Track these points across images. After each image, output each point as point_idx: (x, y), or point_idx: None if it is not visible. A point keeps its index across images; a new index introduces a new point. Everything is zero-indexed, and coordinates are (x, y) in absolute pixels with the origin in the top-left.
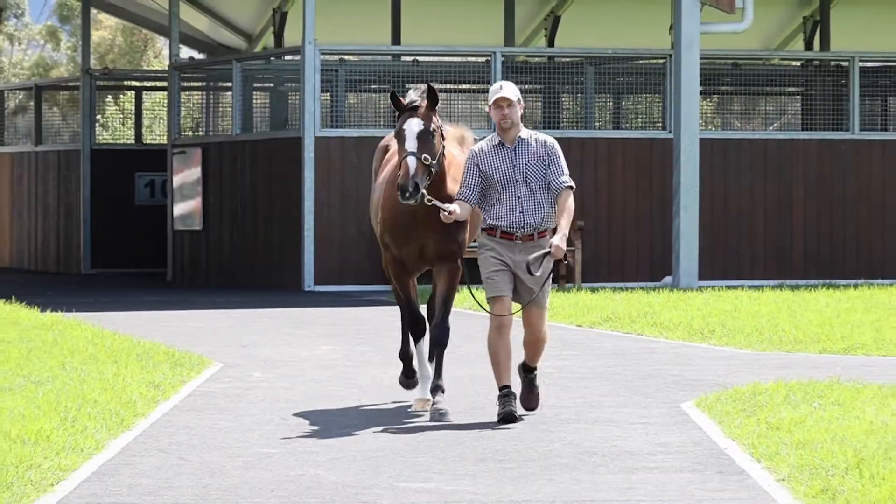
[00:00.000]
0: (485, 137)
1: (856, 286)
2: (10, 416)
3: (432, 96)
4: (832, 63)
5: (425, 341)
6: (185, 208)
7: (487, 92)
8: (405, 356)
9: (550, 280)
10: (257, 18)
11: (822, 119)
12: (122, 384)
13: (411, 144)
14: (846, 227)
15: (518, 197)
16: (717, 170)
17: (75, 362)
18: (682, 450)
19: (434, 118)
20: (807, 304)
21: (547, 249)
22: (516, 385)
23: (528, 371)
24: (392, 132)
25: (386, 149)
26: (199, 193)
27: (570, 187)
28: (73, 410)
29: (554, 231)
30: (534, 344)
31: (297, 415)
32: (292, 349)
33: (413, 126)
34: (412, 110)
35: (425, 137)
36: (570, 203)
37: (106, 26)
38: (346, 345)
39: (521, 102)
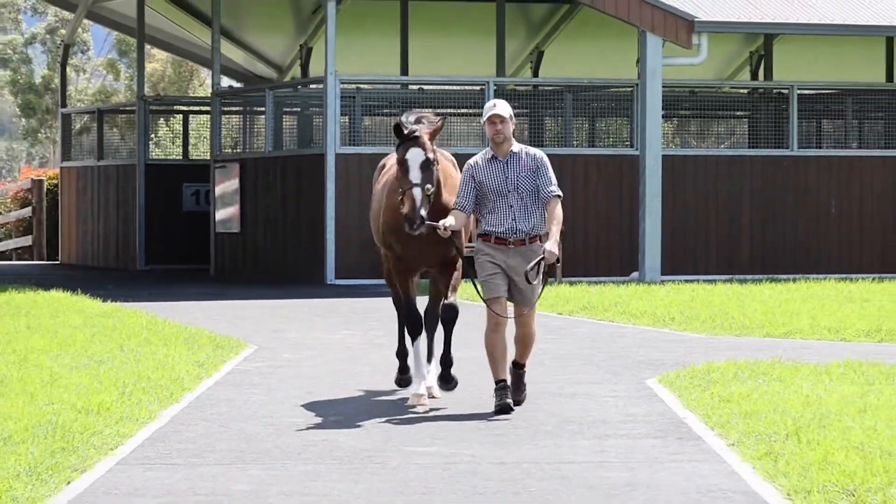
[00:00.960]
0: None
1: (794, 280)
2: (76, 391)
3: (436, 127)
4: (774, 91)
5: (422, 339)
6: (226, 214)
7: (482, 115)
8: (401, 354)
9: (541, 282)
10: (286, 53)
11: (766, 138)
12: (172, 363)
13: (415, 175)
14: (786, 230)
15: (510, 206)
16: (676, 182)
17: (132, 345)
18: (647, 419)
19: (433, 146)
20: (753, 295)
21: (541, 255)
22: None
23: (517, 367)
24: (391, 153)
25: (383, 167)
26: (237, 201)
27: (558, 196)
28: (129, 386)
29: (544, 237)
30: (523, 339)
31: (320, 390)
32: (316, 334)
33: (416, 156)
34: (413, 139)
35: (427, 167)
36: (559, 211)
37: (158, 59)
38: (361, 330)
39: (513, 119)
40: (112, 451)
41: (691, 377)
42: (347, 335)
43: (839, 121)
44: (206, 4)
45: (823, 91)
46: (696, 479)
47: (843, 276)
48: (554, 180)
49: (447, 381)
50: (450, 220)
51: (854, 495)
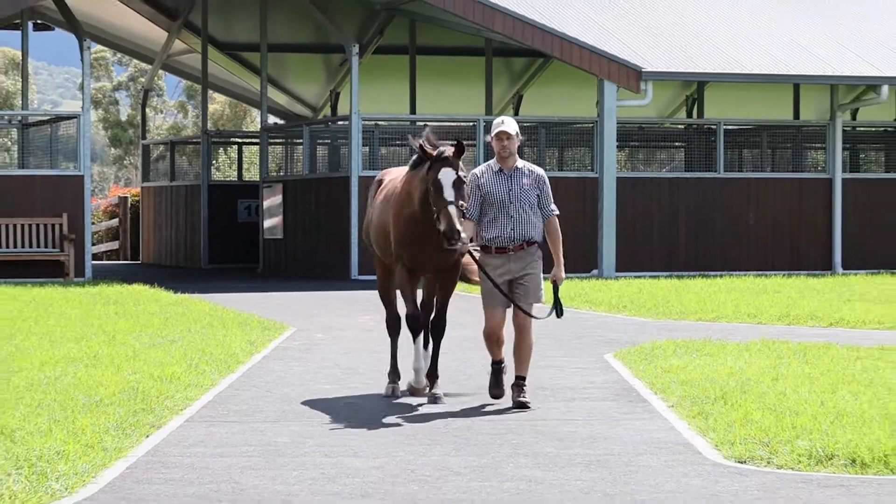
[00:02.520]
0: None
1: (721, 276)
2: (153, 363)
3: (461, 149)
4: (705, 126)
5: (419, 340)
6: (272, 224)
7: (475, 145)
8: (394, 373)
9: (541, 292)
10: (319, 96)
11: (698, 164)
12: (229, 342)
13: (449, 194)
14: (714, 237)
15: (510, 216)
16: (627, 198)
17: (197, 327)
18: (604, 386)
19: (461, 165)
20: (688, 288)
21: (554, 279)
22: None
23: (520, 380)
24: (387, 168)
25: (380, 182)
26: (280, 213)
27: (557, 215)
28: (195, 359)
29: (533, 243)
30: (521, 349)
31: (346, 363)
32: (343, 319)
33: (448, 176)
34: (444, 160)
35: (459, 185)
36: (558, 229)
37: (218, 101)
38: (379, 316)
39: (519, 136)
40: (181, 412)
41: (639, 353)
42: (367, 320)
43: (756, 150)
44: (256, 59)
45: (744, 126)
46: (643, 433)
47: (759, 273)
48: (552, 199)
49: (434, 398)
50: (466, 232)
51: (768, 446)
